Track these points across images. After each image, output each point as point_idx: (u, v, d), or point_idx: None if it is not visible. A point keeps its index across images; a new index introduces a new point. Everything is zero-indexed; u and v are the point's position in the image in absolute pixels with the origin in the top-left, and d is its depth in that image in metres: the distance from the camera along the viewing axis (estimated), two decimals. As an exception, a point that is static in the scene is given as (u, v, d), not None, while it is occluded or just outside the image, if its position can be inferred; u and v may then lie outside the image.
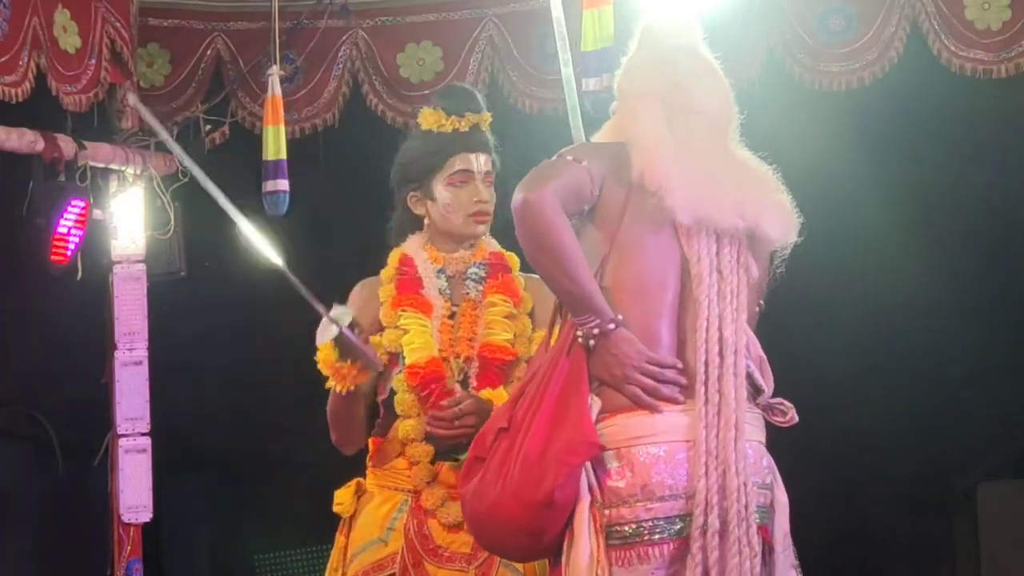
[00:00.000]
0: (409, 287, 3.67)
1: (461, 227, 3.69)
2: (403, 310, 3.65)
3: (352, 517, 3.69)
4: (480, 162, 3.69)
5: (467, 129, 3.70)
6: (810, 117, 5.52)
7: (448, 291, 3.69)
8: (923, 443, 6.48)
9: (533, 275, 3.72)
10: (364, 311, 3.67)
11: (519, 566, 3.58)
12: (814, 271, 3.17)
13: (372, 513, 3.65)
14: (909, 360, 6.33)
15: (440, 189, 3.67)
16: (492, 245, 3.77)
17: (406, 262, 3.71)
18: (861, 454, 6.49)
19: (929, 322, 6.15)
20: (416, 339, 3.61)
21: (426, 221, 3.72)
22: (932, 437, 6.47)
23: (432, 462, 3.61)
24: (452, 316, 3.67)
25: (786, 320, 3.14)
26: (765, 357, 3.06)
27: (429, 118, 3.72)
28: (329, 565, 3.74)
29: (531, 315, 3.70)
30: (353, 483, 3.73)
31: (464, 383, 3.62)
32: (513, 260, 3.75)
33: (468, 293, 3.68)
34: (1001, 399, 6.43)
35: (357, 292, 3.77)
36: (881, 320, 6.34)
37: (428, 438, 3.60)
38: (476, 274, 3.71)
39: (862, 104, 5.68)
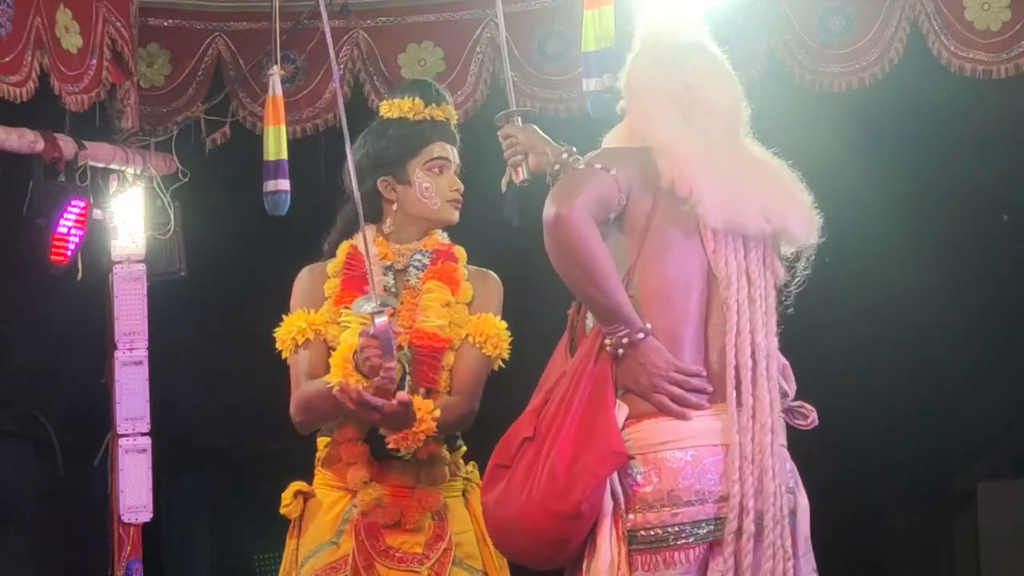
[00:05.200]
0: (354, 284, 3.63)
1: (438, 212, 3.69)
2: (346, 307, 3.59)
3: (301, 519, 3.66)
4: (454, 154, 3.73)
5: (443, 119, 3.73)
6: (810, 118, 5.52)
7: (394, 287, 3.66)
8: (923, 443, 6.48)
9: (480, 269, 3.75)
10: (309, 299, 3.66)
11: (477, 566, 3.59)
12: (814, 271, 3.17)
13: (323, 515, 3.62)
14: (909, 360, 6.33)
15: (418, 174, 3.67)
16: (443, 238, 3.76)
17: (354, 256, 3.66)
18: (861, 454, 6.49)
19: (929, 322, 6.15)
20: (351, 337, 3.52)
21: (393, 207, 3.69)
22: (932, 437, 6.47)
23: (377, 456, 3.57)
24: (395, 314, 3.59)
25: (786, 320, 3.14)
26: (787, 361, 3.06)
27: (403, 106, 3.72)
28: (281, 569, 3.72)
29: (469, 306, 3.68)
30: (294, 485, 3.68)
31: (402, 379, 3.55)
32: (460, 253, 3.75)
33: (408, 281, 3.67)
34: (1001, 399, 6.43)
35: (304, 278, 3.72)
36: (881, 320, 6.34)
37: (364, 438, 3.57)
38: (419, 261, 3.68)
39: (862, 105, 5.69)
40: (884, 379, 6.32)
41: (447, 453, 3.63)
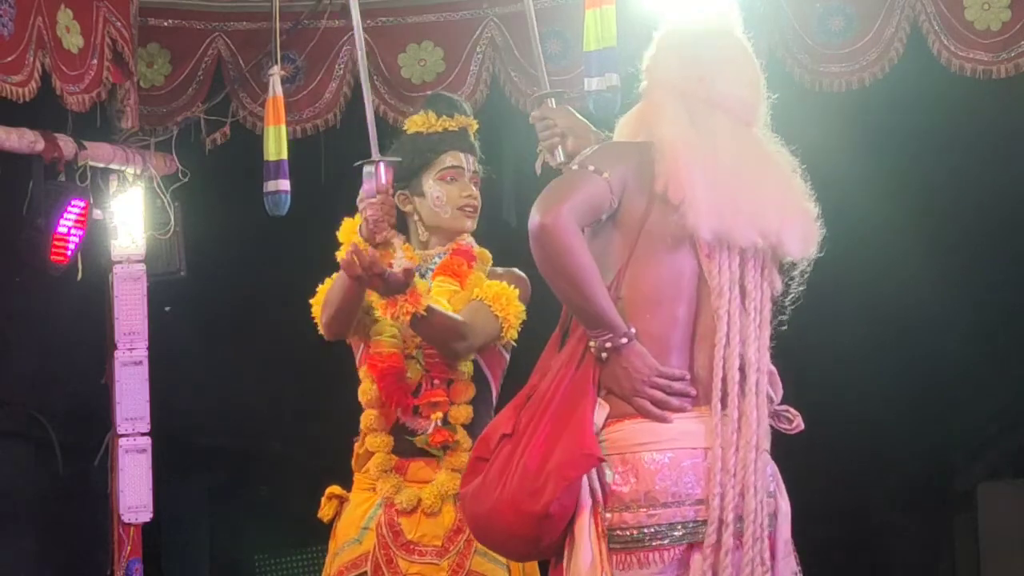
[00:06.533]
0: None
1: (450, 220, 3.77)
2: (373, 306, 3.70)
3: (335, 520, 3.77)
4: (469, 162, 3.79)
5: (456, 129, 3.80)
6: (810, 118, 5.50)
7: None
8: (923, 443, 6.48)
9: (509, 269, 3.79)
10: None
11: (502, 559, 3.65)
12: (814, 271, 3.17)
13: (350, 514, 3.74)
14: (909, 360, 6.33)
15: (430, 184, 3.76)
16: (467, 242, 3.81)
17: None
18: (861, 454, 6.49)
19: (929, 322, 6.15)
20: (384, 329, 3.68)
21: (414, 219, 3.80)
22: (932, 437, 6.47)
23: (399, 453, 3.69)
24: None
25: (786, 320, 3.14)
26: (774, 368, 3.05)
27: (418, 121, 3.84)
28: (324, 572, 3.82)
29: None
30: (330, 489, 3.81)
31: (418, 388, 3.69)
32: (483, 255, 3.82)
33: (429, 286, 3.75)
34: (1001, 399, 6.43)
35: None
36: (881, 320, 6.34)
37: (390, 430, 3.69)
38: (436, 263, 3.78)
39: (862, 104, 5.68)
40: (884, 379, 6.32)
41: (468, 441, 3.68)
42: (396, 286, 3.44)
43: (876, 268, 6.13)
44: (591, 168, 2.96)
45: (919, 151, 6.01)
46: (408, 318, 3.49)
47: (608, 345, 2.91)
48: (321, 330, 3.75)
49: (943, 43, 5.39)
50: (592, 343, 2.93)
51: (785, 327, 3.07)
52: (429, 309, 3.50)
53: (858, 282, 6.10)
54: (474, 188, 3.78)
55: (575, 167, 2.99)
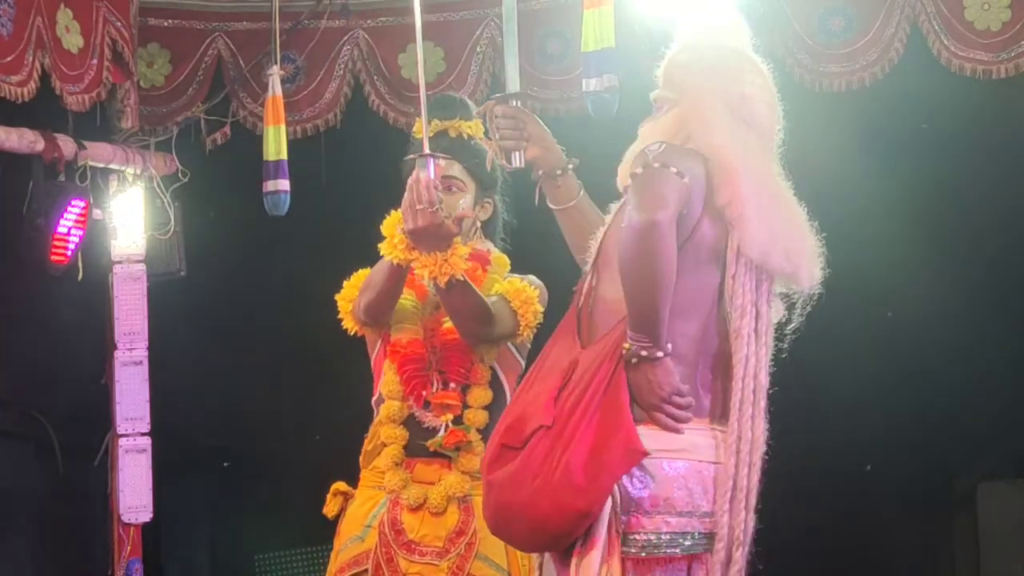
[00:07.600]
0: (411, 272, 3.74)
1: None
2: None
3: (340, 517, 3.79)
4: (445, 168, 3.73)
5: (431, 136, 3.75)
6: (810, 118, 5.49)
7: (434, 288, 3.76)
8: (923, 443, 6.47)
9: (524, 276, 3.80)
10: None
11: (501, 562, 3.65)
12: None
13: (354, 511, 3.75)
14: (910, 360, 6.32)
15: None
16: (482, 246, 3.82)
17: None
18: (862, 454, 6.49)
19: (929, 322, 6.14)
20: (406, 317, 3.71)
21: None
22: (932, 437, 6.47)
23: (407, 451, 3.71)
24: (437, 307, 3.77)
25: (786, 321, 3.13)
26: None
27: (413, 127, 3.84)
28: (328, 570, 3.83)
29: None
30: (335, 486, 3.82)
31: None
32: (500, 260, 3.83)
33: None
34: (1001, 399, 6.43)
35: None
36: (881, 321, 6.33)
37: (404, 422, 3.71)
38: None
39: (862, 105, 5.68)
40: (884, 379, 6.32)
41: (480, 445, 3.68)
42: (446, 233, 3.45)
43: (877, 269, 6.12)
44: (674, 170, 2.91)
45: (919, 151, 6.01)
46: (446, 280, 3.50)
47: (643, 353, 2.89)
48: (350, 321, 3.77)
49: (943, 43, 5.40)
50: (627, 345, 2.91)
51: (785, 355, 3.07)
52: (464, 279, 3.52)
53: (860, 282, 6.08)
54: (446, 193, 3.67)
55: (656, 166, 2.92)
